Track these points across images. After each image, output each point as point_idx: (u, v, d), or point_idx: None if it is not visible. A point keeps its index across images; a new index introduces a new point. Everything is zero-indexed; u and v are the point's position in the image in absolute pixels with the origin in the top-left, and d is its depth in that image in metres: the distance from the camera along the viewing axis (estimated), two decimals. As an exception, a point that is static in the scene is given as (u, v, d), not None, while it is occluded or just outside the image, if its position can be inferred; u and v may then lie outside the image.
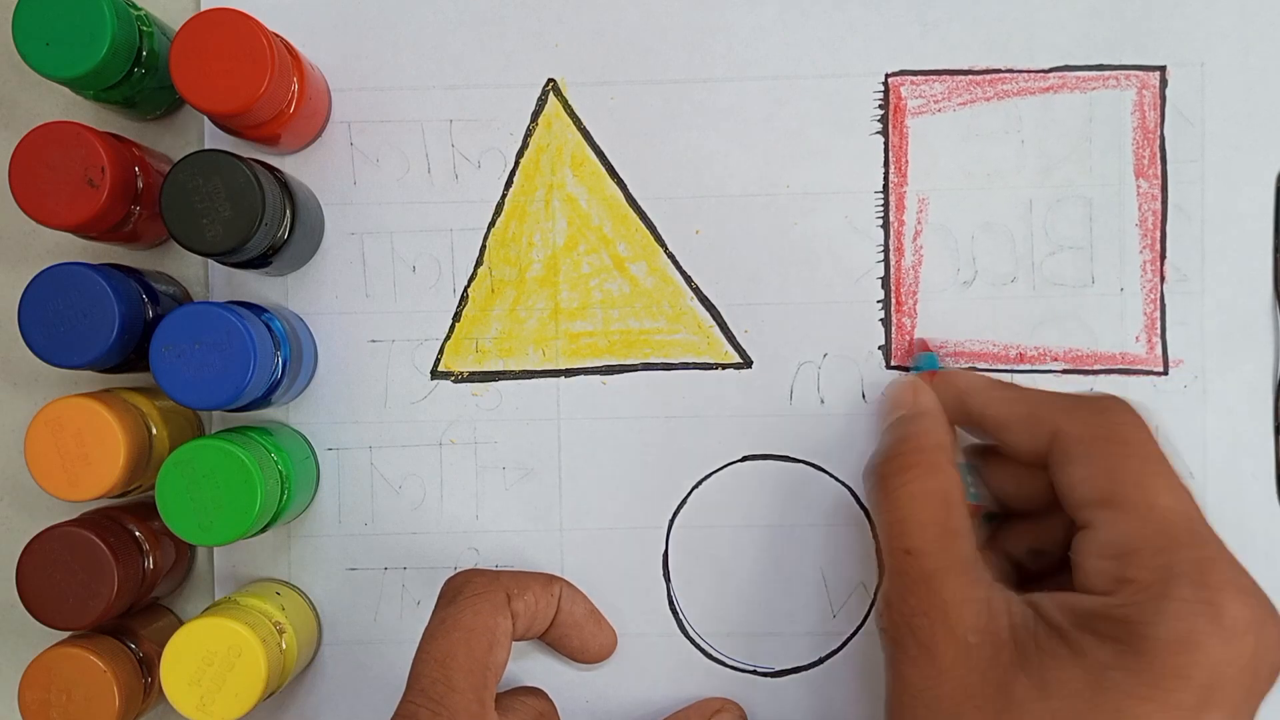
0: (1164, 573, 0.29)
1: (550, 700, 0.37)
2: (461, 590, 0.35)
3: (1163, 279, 0.39)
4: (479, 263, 0.39)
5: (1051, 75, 0.39)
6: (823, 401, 0.39)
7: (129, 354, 0.35)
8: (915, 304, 0.39)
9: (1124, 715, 0.28)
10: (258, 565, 0.39)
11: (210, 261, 0.39)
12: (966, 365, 0.39)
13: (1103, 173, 0.39)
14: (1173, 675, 0.28)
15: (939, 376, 0.36)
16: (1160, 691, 0.28)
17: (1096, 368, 0.39)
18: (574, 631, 0.38)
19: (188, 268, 0.40)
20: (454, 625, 0.33)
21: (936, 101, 0.39)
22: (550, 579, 0.37)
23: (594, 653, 0.38)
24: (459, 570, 0.36)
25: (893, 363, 0.39)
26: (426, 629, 0.34)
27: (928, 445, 0.34)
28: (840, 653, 0.39)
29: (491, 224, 0.39)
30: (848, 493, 0.39)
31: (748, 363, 0.39)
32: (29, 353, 0.33)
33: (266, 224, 0.34)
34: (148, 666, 0.37)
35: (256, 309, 0.36)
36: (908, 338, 0.39)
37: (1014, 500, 0.35)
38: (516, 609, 0.35)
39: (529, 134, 0.39)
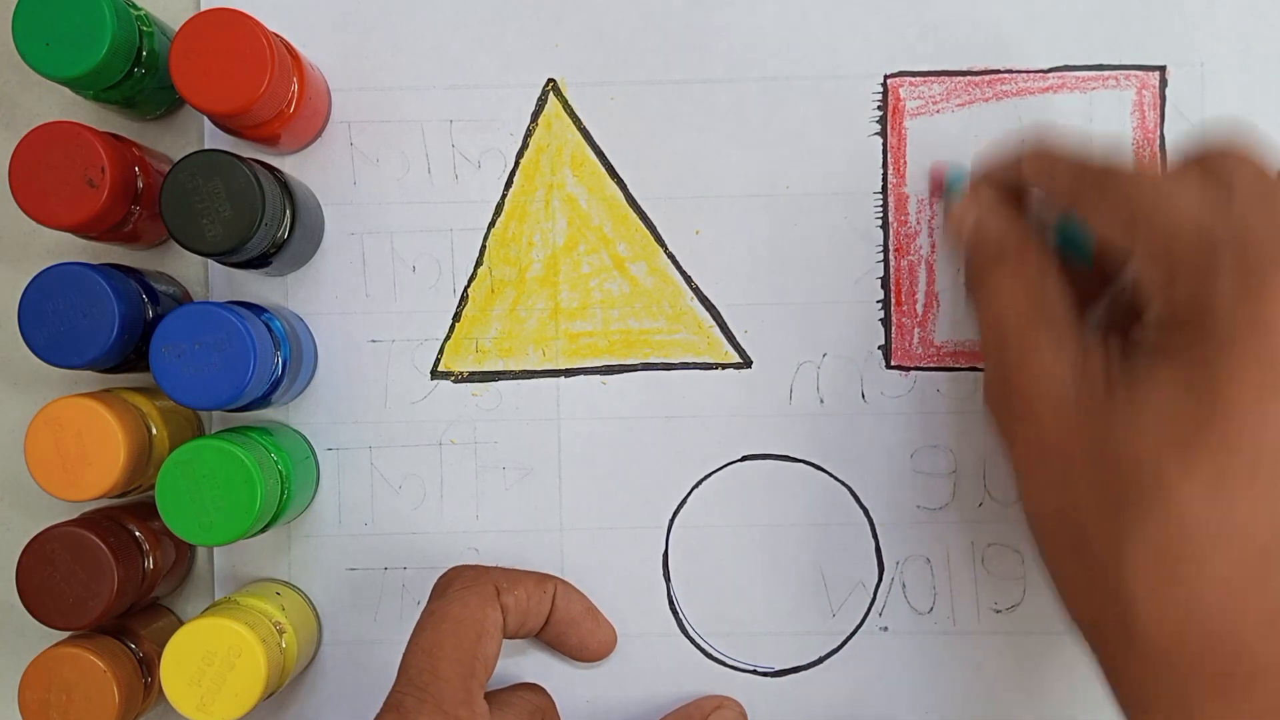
0: (1206, 274, 0.28)
1: (549, 696, 0.37)
2: (451, 584, 0.35)
3: (1162, 279, 0.39)
4: (479, 263, 0.39)
5: (1051, 75, 0.39)
6: (823, 401, 0.39)
7: (129, 354, 0.35)
8: (915, 304, 0.39)
9: (1219, 410, 0.27)
10: (258, 565, 0.39)
11: (210, 261, 0.39)
12: (967, 366, 0.39)
13: (1102, 173, 0.39)
14: (1252, 358, 0.27)
15: (985, 166, 0.36)
16: (1248, 373, 0.27)
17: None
18: (572, 629, 0.38)
19: (188, 268, 0.40)
20: (442, 617, 0.33)
21: (935, 102, 0.39)
22: (544, 577, 0.37)
23: (594, 650, 0.38)
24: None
25: (893, 362, 0.39)
26: (417, 623, 0.34)
27: (1003, 241, 0.34)
28: (840, 653, 0.39)
29: (491, 224, 0.39)
30: (848, 493, 0.39)
31: (748, 363, 0.39)
32: (29, 353, 0.33)
33: (266, 224, 0.34)
34: (148, 666, 0.37)
35: (256, 309, 0.36)
36: (908, 338, 0.39)
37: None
38: (506, 603, 0.35)
39: (529, 134, 0.39)
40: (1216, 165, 0.30)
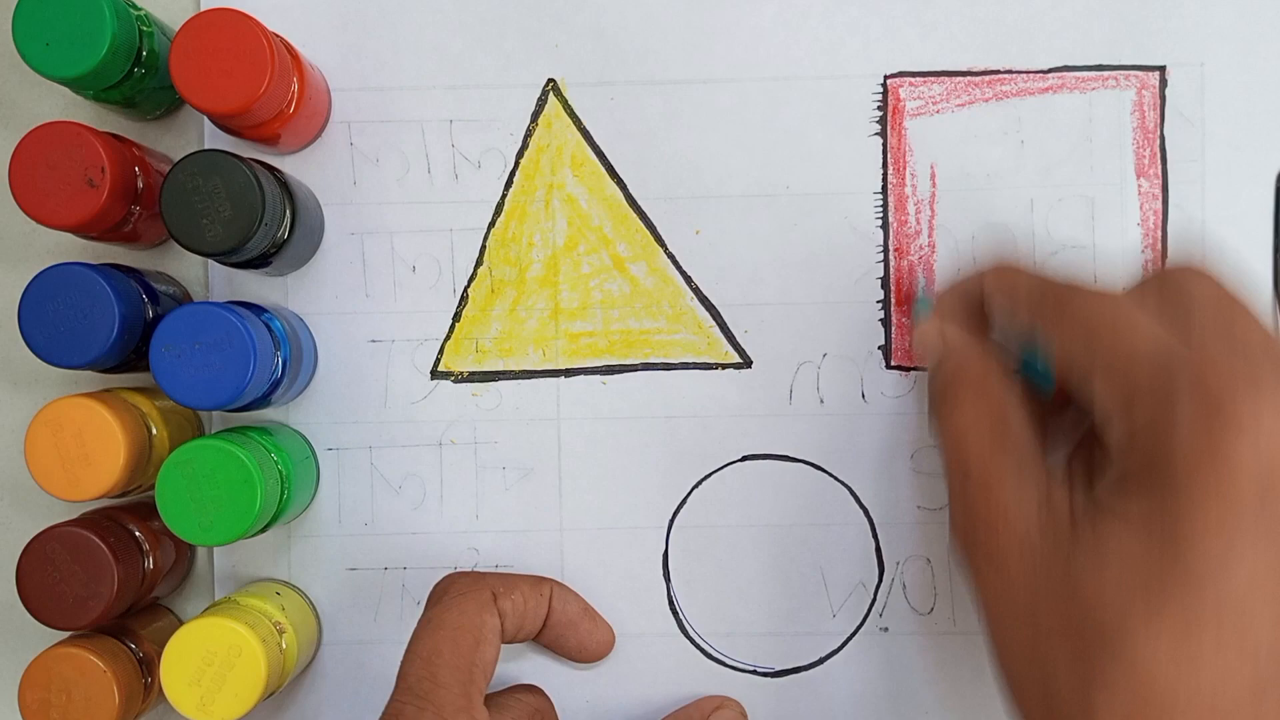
0: (1164, 401, 0.27)
1: (547, 697, 0.37)
2: (447, 590, 0.35)
3: (1163, 279, 0.39)
4: (479, 263, 0.39)
5: (1051, 76, 0.39)
6: (823, 401, 0.39)
7: (129, 354, 0.35)
8: (916, 304, 0.39)
9: (1181, 555, 0.26)
10: (258, 565, 0.39)
11: (210, 261, 0.39)
12: (966, 365, 0.39)
13: (1104, 172, 0.39)
14: (1213, 495, 0.26)
15: (943, 295, 0.36)
16: (1206, 512, 0.26)
17: (1096, 368, 0.39)
18: (569, 631, 0.38)
19: (188, 268, 0.40)
20: (439, 624, 0.33)
21: (935, 103, 0.39)
22: (540, 579, 0.37)
23: (592, 651, 0.38)
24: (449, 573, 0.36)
25: (893, 362, 0.39)
26: (414, 630, 0.34)
27: (964, 378, 0.33)
28: (840, 653, 0.39)
29: (491, 224, 0.39)
30: (848, 492, 0.39)
31: (748, 363, 0.39)
32: (29, 353, 0.33)
33: (266, 224, 0.34)
34: (148, 666, 0.37)
35: (256, 309, 0.36)
36: (908, 338, 0.39)
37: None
38: (504, 608, 0.35)
39: (529, 134, 0.39)
40: (1176, 284, 0.30)
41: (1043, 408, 0.33)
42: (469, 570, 0.37)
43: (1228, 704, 0.26)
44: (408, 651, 0.33)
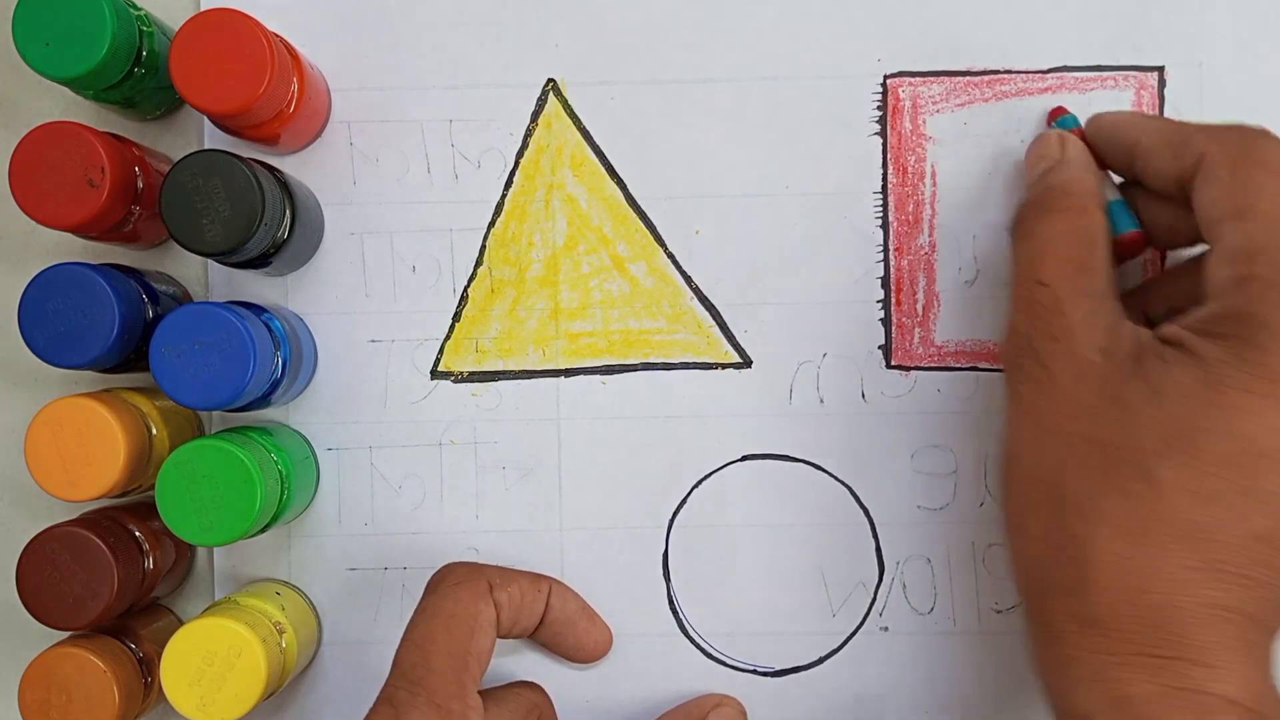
0: None
1: (546, 695, 0.37)
2: (444, 580, 0.35)
3: (1162, 278, 0.39)
4: (479, 263, 0.39)
5: (1050, 76, 0.39)
6: (823, 401, 0.39)
7: (129, 354, 0.35)
8: (915, 304, 0.39)
9: (1238, 411, 0.28)
10: (258, 565, 0.39)
11: (210, 261, 0.39)
12: (967, 366, 0.39)
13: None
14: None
15: (1088, 120, 0.36)
16: (1276, 385, 0.28)
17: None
18: (567, 629, 0.38)
19: (188, 268, 0.40)
20: (435, 612, 0.33)
21: (935, 102, 0.39)
22: (539, 576, 0.37)
23: (590, 650, 0.38)
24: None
25: (893, 362, 0.39)
26: (410, 619, 0.34)
27: (1077, 190, 0.34)
28: (840, 653, 0.39)
29: (491, 224, 0.39)
30: (848, 492, 0.39)
31: (747, 362, 0.39)
32: (29, 353, 0.33)
33: (266, 224, 0.34)
34: (148, 666, 0.37)
35: (256, 309, 0.36)
36: (908, 338, 0.39)
37: (1165, 235, 0.35)
38: (500, 599, 0.35)
39: (529, 134, 0.39)
40: None
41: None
42: (468, 561, 0.37)
43: (1224, 544, 0.28)
44: (403, 638, 0.33)
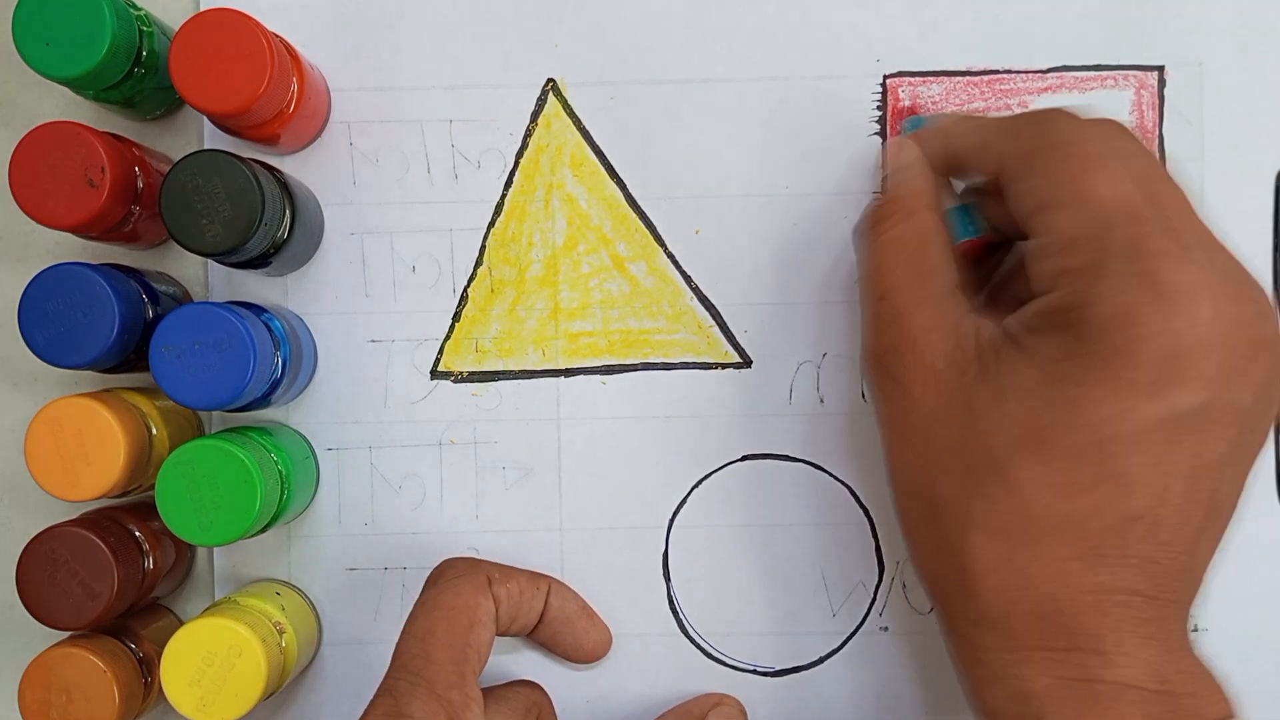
0: (1099, 254, 0.28)
1: (545, 693, 0.37)
2: (444, 574, 0.35)
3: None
4: (479, 263, 0.39)
5: (1050, 76, 0.39)
6: (822, 401, 0.39)
7: (129, 354, 0.35)
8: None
9: (1077, 404, 0.28)
10: (258, 565, 0.39)
11: (210, 261, 0.39)
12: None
13: (1102, 173, 0.39)
14: (1117, 353, 0.28)
15: (926, 129, 0.36)
16: (1108, 373, 0.28)
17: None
18: (566, 629, 0.38)
19: (188, 268, 0.40)
20: (434, 605, 0.33)
21: (935, 102, 0.39)
22: (538, 575, 0.38)
23: (589, 650, 0.39)
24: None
25: (892, 362, 0.39)
26: (410, 612, 0.34)
27: (904, 194, 0.34)
28: (840, 653, 0.39)
29: (491, 224, 0.39)
30: (848, 492, 0.39)
31: (747, 362, 0.39)
32: (29, 353, 0.33)
33: (266, 224, 0.34)
34: (148, 666, 0.37)
35: (256, 309, 0.36)
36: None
37: (1011, 233, 0.35)
38: (499, 594, 0.35)
39: (529, 134, 0.39)
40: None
41: (961, 253, 0.34)
42: (467, 556, 0.37)
43: (1098, 530, 0.28)
44: (403, 631, 0.33)
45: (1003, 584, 0.29)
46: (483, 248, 0.39)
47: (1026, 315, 0.30)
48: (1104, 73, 0.39)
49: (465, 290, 0.39)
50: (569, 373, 0.39)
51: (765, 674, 0.39)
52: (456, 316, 0.39)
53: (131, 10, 0.35)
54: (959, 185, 0.36)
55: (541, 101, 0.39)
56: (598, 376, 0.39)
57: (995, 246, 0.36)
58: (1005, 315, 0.31)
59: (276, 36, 0.35)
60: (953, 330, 0.31)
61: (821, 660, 0.39)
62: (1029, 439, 0.29)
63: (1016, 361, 0.30)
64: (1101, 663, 0.28)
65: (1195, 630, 0.39)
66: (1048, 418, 0.29)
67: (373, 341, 0.39)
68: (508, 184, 0.39)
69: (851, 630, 0.39)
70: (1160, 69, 0.39)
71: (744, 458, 0.39)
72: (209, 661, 0.34)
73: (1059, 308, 0.29)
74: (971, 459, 0.30)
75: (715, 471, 0.39)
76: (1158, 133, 0.39)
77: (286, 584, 0.39)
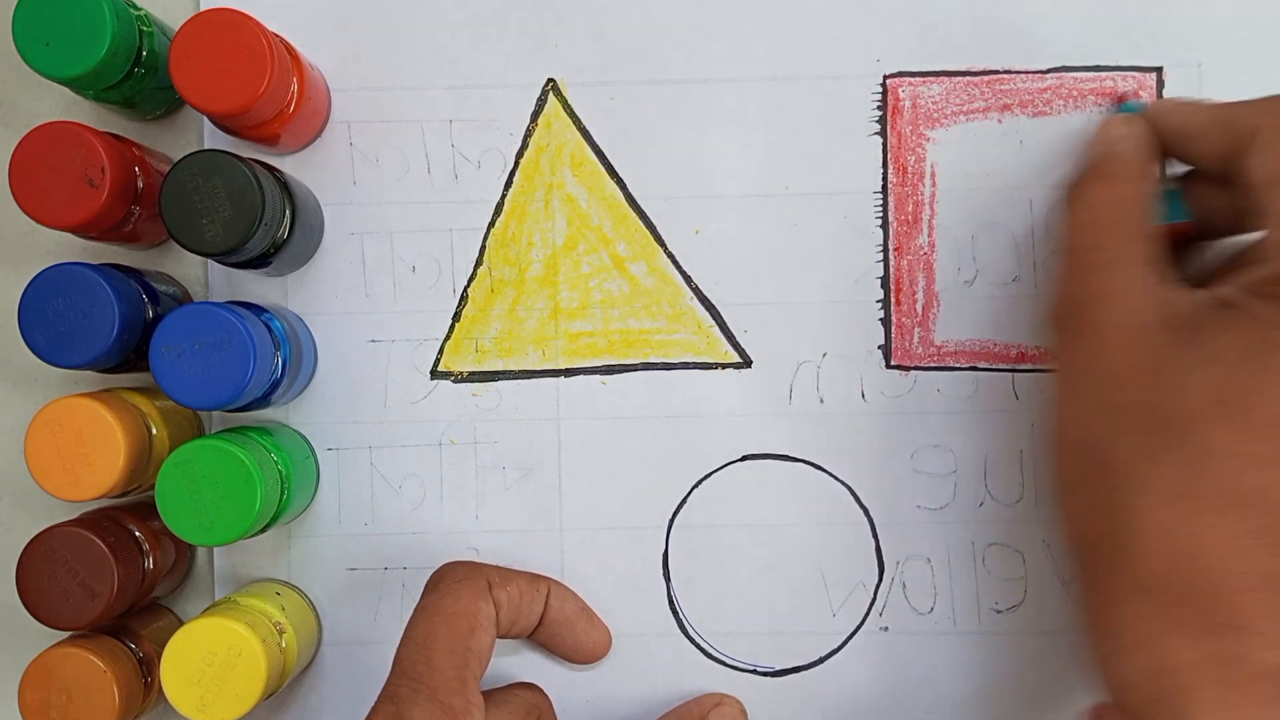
0: None
1: (546, 696, 0.37)
2: (444, 578, 0.35)
3: (1162, 278, 0.39)
4: (479, 263, 0.39)
5: (1049, 76, 0.39)
6: (822, 401, 0.39)
7: (129, 354, 0.35)
8: (915, 304, 0.39)
9: None
10: (258, 565, 0.39)
11: (210, 261, 0.39)
12: (967, 366, 0.39)
13: (1102, 173, 0.39)
14: None
15: (1143, 111, 0.36)
16: None
17: (1096, 367, 0.39)
18: (566, 630, 0.38)
19: (188, 268, 0.40)
20: (435, 610, 0.33)
21: (935, 102, 0.39)
22: (538, 577, 0.38)
23: (589, 651, 0.38)
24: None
25: (893, 362, 0.39)
26: (410, 617, 0.34)
27: (1130, 160, 0.34)
28: (840, 653, 0.39)
29: (491, 224, 0.39)
30: (848, 492, 0.39)
31: (747, 362, 0.39)
32: (29, 353, 0.33)
33: (266, 224, 0.34)
34: (148, 666, 0.37)
35: (256, 309, 0.36)
36: (908, 338, 0.39)
37: (1211, 226, 0.35)
38: (499, 598, 0.35)
39: (529, 134, 0.39)
40: None
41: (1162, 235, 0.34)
42: (467, 560, 0.37)
43: (1267, 516, 0.28)
44: (404, 637, 0.33)
45: (1167, 550, 0.28)
46: (483, 248, 0.39)
47: (1254, 279, 0.30)
48: (1103, 73, 0.39)
49: (465, 290, 0.39)
50: (569, 373, 0.39)
51: (765, 674, 0.39)
52: (456, 316, 0.39)
53: (131, 10, 0.35)
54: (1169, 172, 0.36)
55: (541, 101, 0.39)
56: (598, 376, 0.39)
57: (1191, 238, 0.36)
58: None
59: (276, 36, 0.35)
60: (1158, 289, 0.31)
61: (821, 660, 0.39)
62: (1229, 404, 0.28)
63: (1228, 326, 0.29)
64: (1256, 644, 0.27)
65: None
66: (1254, 385, 0.28)
67: (373, 341, 0.39)
68: (508, 184, 0.39)
69: (851, 630, 0.39)
70: (1159, 70, 0.39)
71: (744, 458, 0.39)
72: (209, 661, 0.34)
73: None
74: (1157, 419, 0.29)
75: (715, 471, 0.39)
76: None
77: (286, 584, 0.39)
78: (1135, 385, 0.30)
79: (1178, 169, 0.36)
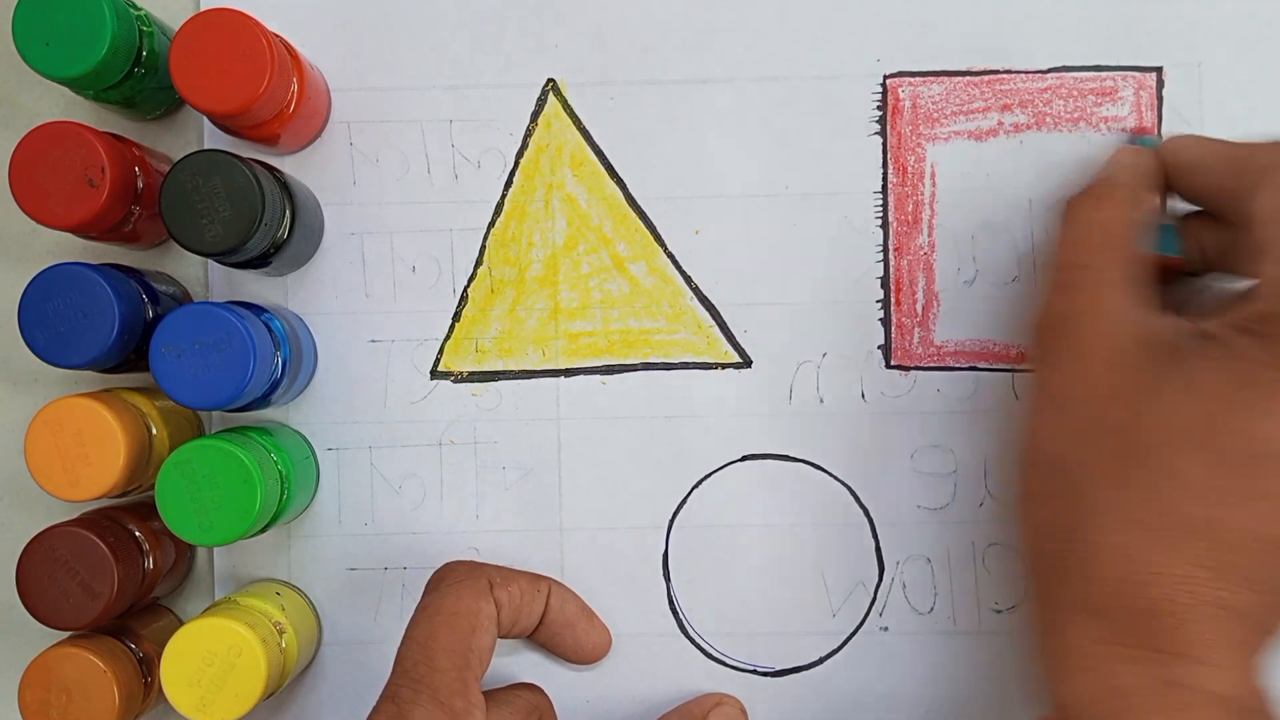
0: None
1: (546, 696, 0.38)
2: (444, 578, 0.35)
3: (1162, 278, 0.39)
4: (479, 263, 0.39)
5: (1049, 76, 0.39)
6: (822, 401, 0.39)
7: (129, 354, 0.35)
8: (915, 304, 0.39)
9: (1263, 412, 0.28)
10: (258, 565, 0.39)
11: (210, 261, 0.39)
12: (967, 366, 0.39)
13: (1102, 173, 0.39)
14: None
15: (1162, 145, 0.36)
16: None
17: (1096, 367, 0.39)
18: (566, 630, 0.38)
19: (188, 268, 0.40)
20: (436, 610, 0.33)
21: (935, 102, 0.39)
22: (538, 577, 0.38)
23: (589, 652, 0.38)
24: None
25: (892, 362, 0.39)
26: (411, 617, 0.34)
27: (1123, 185, 0.34)
28: (840, 653, 0.39)
29: (491, 224, 0.39)
30: (848, 492, 0.39)
31: (747, 362, 0.39)
32: (29, 353, 0.33)
33: (266, 224, 0.34)
34: (148, 666, 0.37)
35: (256, 309, 0.36)
36: (908, 338, 0.39)
37: (1202, 262, 0.35)
38: (500, 598, 0.35)
39: (529, 134, 0.39)
40: None
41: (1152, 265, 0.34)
42: (467, 559, 0.37)
43: (1236, 545, 0.28)
44: (405, 637, 0.33)
45: (1123, 575, 0.28)
46: (483, 248, 0.39)
47: (1241, 315, 0.30)
48: (1103, 73, 0.39)
49: (465, 290, 0.39)
50: (569, 373, 0.39)
51: (765, 674, 0.39)
52: (456, 316, 0.39)
53: (131, 10, 0.35)
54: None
55: (541, 101, 0.39)
56: (598, 376, 0.39)
57: (1178, 274, 0.36)
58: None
59: (276, 36, 0.35)
60: (1141, 314, 0.31)
61: (821, 660, 0.39)
62: (1199, 435, 0.28)
63: (1208, 358, 0.29)
64: (1201, 673, 0.27)
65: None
66: (1227, 418, 0.28)
67: (373, 341, 0.39)
68: (508, 184, 0.39)
69: (851, 630, 0.39)
70: (1159, 70, 0.39)
71: (744, 458, 0.39)
72: (209, 661, 0.34)
73: (1275, 314, 0.29)
74: (1127, 443, 0.29)
75: (715, 471, 0.39)
76: (1156, 133, 0.39)
77: (286, 584, 0.39)
78: (1109, 407, 0.30)
79: (1179, 208, 0.36)
